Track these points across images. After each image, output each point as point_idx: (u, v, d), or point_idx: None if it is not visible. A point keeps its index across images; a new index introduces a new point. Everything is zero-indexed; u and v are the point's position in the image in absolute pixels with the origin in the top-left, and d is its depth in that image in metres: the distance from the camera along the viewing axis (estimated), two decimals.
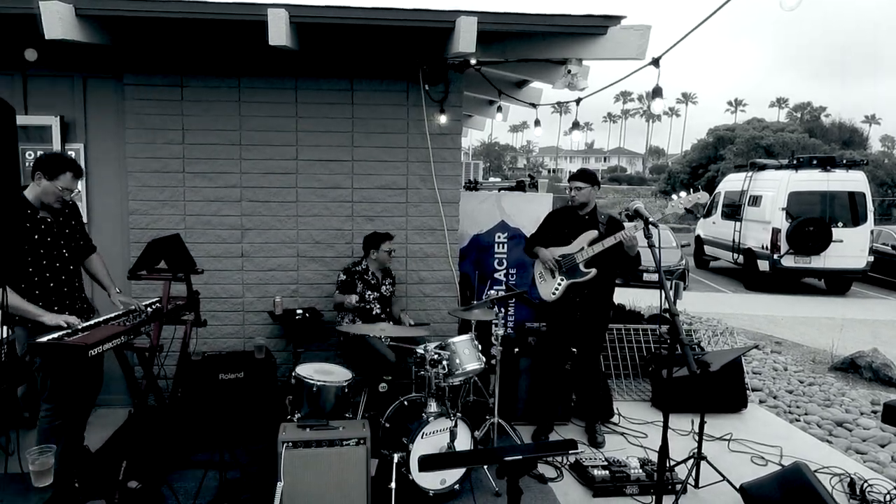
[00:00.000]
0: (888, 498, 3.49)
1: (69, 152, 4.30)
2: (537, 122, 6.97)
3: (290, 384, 3.45)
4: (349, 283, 4.33)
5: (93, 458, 3.47)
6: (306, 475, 2.96)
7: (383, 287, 4.43)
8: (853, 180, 11.86)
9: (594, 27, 3.98)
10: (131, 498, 3.06)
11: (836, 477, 3.76)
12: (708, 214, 15.21)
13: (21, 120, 4.03)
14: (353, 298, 4.22)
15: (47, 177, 3.02)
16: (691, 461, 3.60)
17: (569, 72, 4.25)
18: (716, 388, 4.76)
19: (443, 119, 4.64)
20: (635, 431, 4.44)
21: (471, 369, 3.62)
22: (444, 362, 3.49)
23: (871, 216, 11.81)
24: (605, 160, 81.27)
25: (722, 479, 3.50)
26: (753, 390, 5.63)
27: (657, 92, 4.10)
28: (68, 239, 3.23)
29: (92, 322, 2.96)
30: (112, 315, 3.05)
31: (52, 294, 3.10)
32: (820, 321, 9.65)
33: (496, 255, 5.58)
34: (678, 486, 3.43)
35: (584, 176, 4.08)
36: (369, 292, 4.36)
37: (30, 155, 4.36)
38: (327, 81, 4.54)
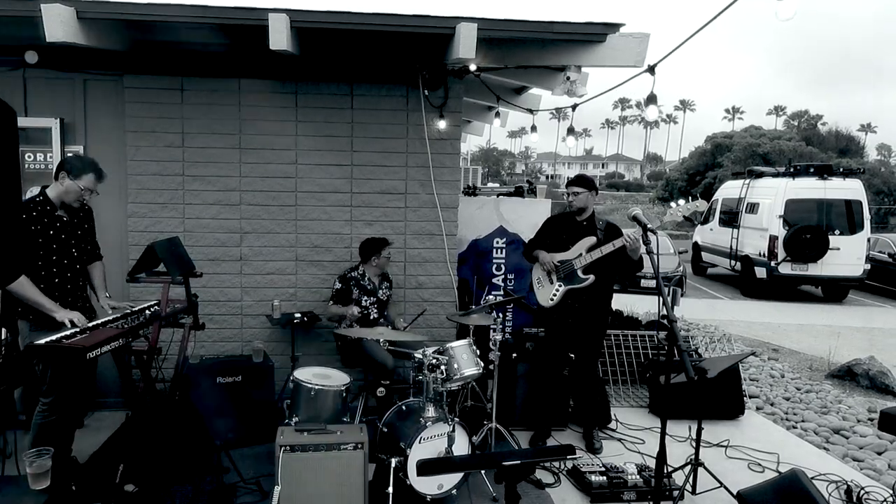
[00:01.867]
0: None
1: (68, 154, 4.30)
2: (534, 128, 6.97)
3: (288, 388, 3.45)
4: (345, 291, 4.30)
5: (80, 469, 3.46)
6: (304, 479, 2.96)
7: (380, 291, 4.43)
8: (850, 188, 11.92)
9: (593, 34, 4.00)
10: (128, 501, 3.05)
11: (833, 484, 3.76)
12: (705, 221, 15.25)
13: (21, 122, 4.03)
14: (355, 311, 4.19)
15: (71, 176, 3.13)
16: (689, 467, 3.61)
17: (568, 78, 4.27)
18: (713, 394, 4.76)
19: (442, 124, 4.66)
20: (633, 437, 4.44)
21: (469, 374, 3.62)
22: (443, 367, 3.48)
23: (867, 224, 11.86)
24: (603, 166, 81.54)
25: (719, 485, 3.50)
26: (751, 397, 5.64)
27: (651, 99, 4.13)
28: (80, 240, 3.33)
29: (91, 324, 2.96)
30: (111, 317, 3.06)
31: (57, 290, 3.17)
32: (817, 328, 9.66)
33: (494, 261, 5.58)
34: (675, 493, 3.43)
35: (582, 181, 4.10)
36: (366, 297, 4.35)
37: (29, 157, 4.36)
38: (327, 86, 4.55)
